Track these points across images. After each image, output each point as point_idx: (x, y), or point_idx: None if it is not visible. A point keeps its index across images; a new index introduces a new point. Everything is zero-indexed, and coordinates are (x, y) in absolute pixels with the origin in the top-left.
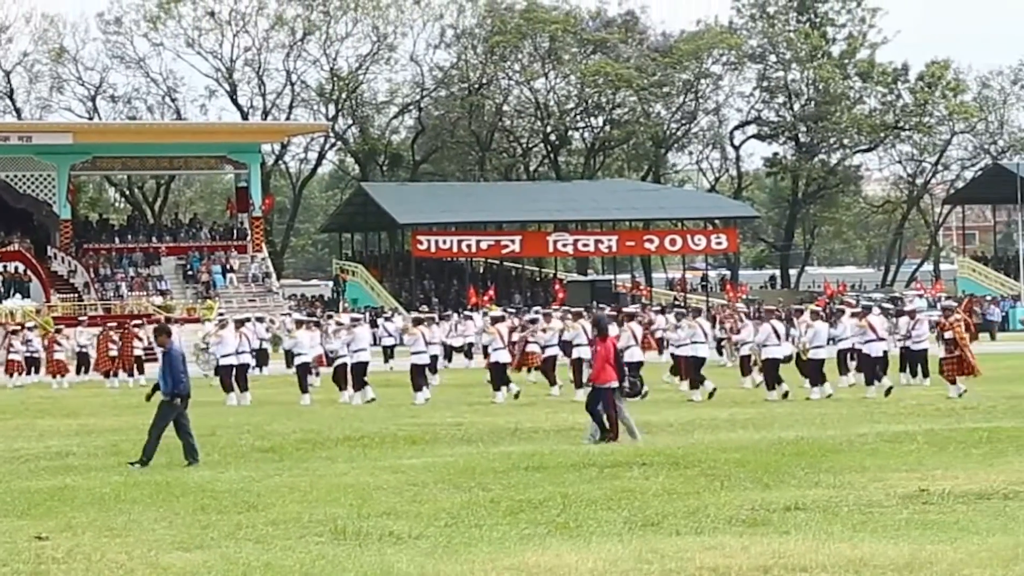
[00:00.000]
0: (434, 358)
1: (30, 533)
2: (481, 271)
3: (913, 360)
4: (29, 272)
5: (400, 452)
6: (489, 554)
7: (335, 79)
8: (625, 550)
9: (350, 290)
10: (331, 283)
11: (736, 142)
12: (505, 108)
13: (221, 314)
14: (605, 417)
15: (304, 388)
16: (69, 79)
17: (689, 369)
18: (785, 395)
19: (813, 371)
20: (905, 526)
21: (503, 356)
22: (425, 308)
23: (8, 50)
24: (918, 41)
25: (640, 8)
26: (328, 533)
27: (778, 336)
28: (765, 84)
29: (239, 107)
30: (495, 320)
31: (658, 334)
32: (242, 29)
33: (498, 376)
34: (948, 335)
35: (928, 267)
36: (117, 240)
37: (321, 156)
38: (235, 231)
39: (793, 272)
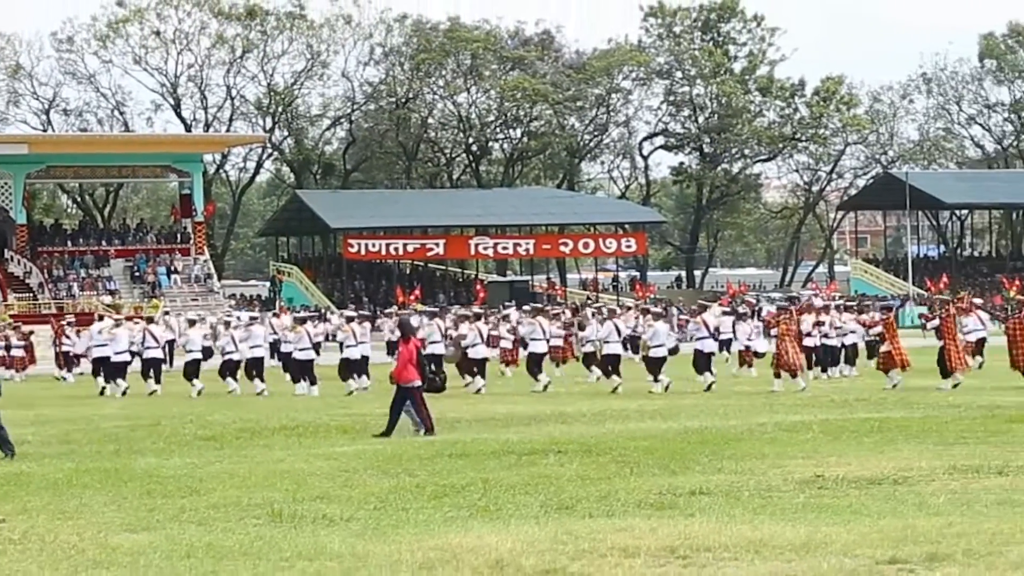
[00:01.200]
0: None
1: None
2: (408, 272)
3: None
4: None
5: (332, 441)
6: (415, 535)
7: (272, 94)
8: (541, 532)
9: (286, 290)
10: (268, 283)
11: (645, 152)
12: (430, 121)
13: (166, 312)
14: (415, 412)
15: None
16: (24, 94)
17: (605, 364)
18: (667, 387)
19: (652, 366)
20: (802, 509)
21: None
22: (353, 307)
23: None
24: (814, 58)
25: (555, 27)
26: (265, 516)
27: (619, 333)
28: (672, 98)
29: (183, 120)
30: (475, 318)
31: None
32: (185, 47)
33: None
34: (773, 332)
35: (823, 268)
36: (69, 243)
37: (259, 165)
38: (179, 235)
39: (698, 273)
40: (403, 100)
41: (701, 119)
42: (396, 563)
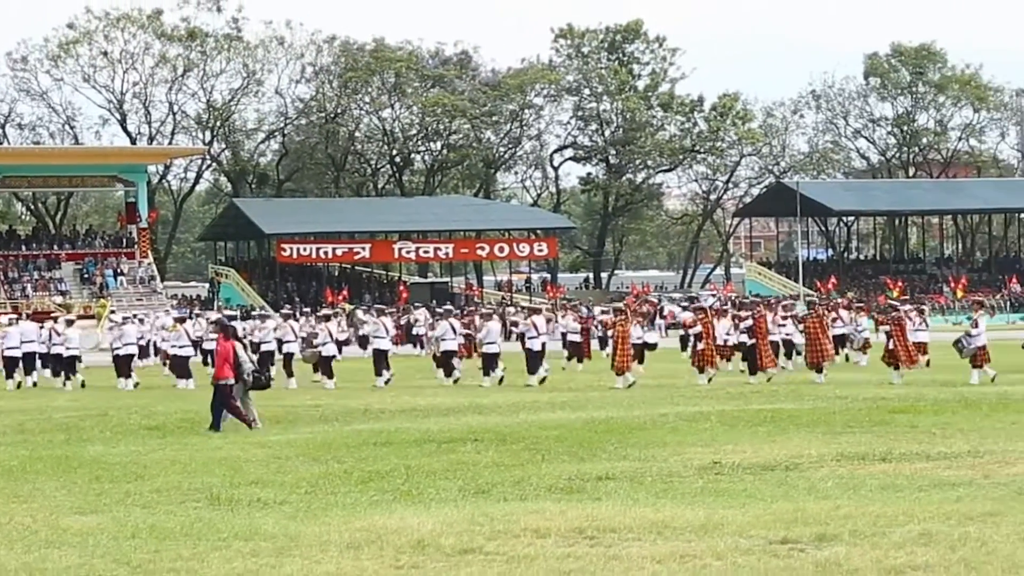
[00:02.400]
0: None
1: None
2: (336, 274)
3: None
4: None
5: (266, 430)
6: (343, 517)
7: (211, 109)
8: (460, 514)
9: (224, 291)
10: (207, 285)
11: (555, 163)
12: (357, 134)
13: (113, 311)
14: (227, 409)
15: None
16: None
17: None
18: (501, 380)
19: (486, 363)
20: (700, 493)
21: (331, 350)
22: (288, 307)
23: None
24: (712, 76)
25: (473, 48)
26: (205, 499)
27: (455, 331)
28: (580, 114)
29: (128, 133)
30: (325, 319)
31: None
32: (131, 67)
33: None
34: (611, 332)
35: (720, 271)
36: (23, 248)
37: (199, 175)
38: (125, 240)
39: (604, 275)
40: (332, 115)
41: (607, 133)
42: (325, 543)
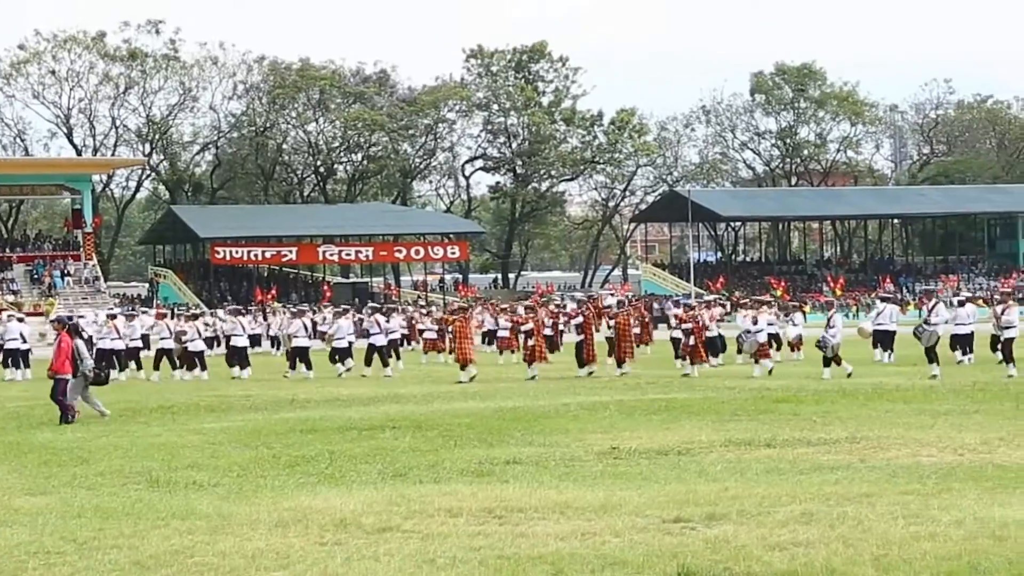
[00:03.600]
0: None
1: None
2: (266, 275)
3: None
4: None
5: (201, 418)
6: (272, 499)
7: (150, 123)
8: (379, 495)
9: (162, 290)
10: (147, 284)
11: (467, 173)
12: (284, 146)
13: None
14: (54, 399)
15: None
16: None
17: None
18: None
19: (336, 354)
20: (600, 476)
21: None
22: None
23: None
24: (610, 93)
25: (391, 67)
26: (145, 482)
27: (306, 330)
28: (490, 127)
29: (74, 145)
30: (192, 317)
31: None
32: (77, 84)
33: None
34: (684, 326)
35: (618, 272)
36: None
37: (139, 184)
38: (71, 243)
39: (512, 276)
40: (262, 129)
41: (515, 145)
42: (255, 522)
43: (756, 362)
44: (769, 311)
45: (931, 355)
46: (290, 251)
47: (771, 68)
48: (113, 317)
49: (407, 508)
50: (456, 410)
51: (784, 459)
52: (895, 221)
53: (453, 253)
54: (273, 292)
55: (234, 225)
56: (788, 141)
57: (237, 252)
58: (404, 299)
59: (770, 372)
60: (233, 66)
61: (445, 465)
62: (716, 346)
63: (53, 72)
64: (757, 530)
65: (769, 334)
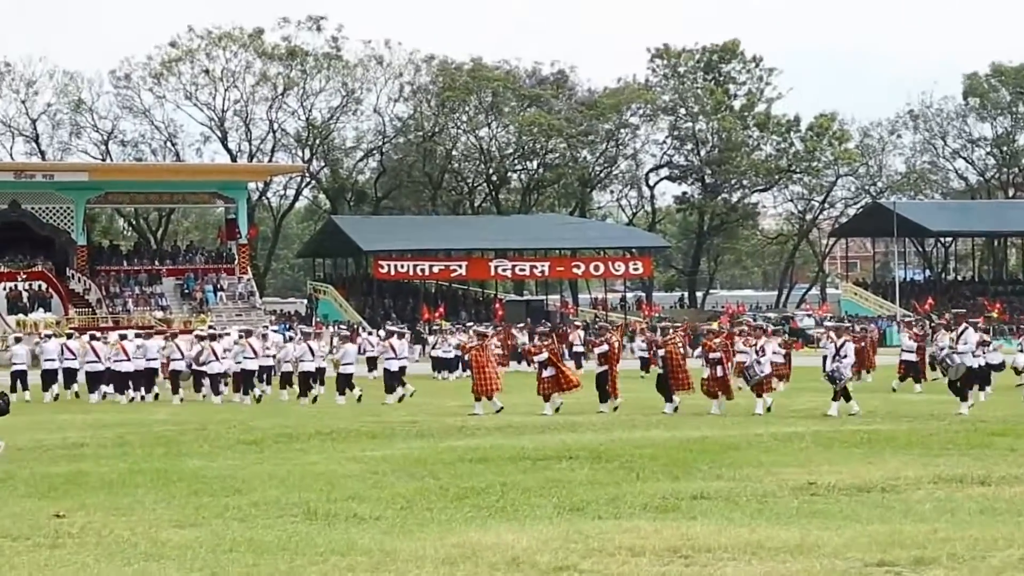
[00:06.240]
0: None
1: (49, 512)
2: (433, 291)
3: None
4: (51, 290)
5: (363, 445)
6: (438, 533)
7: (310, 127)
8: (554, 531)
9: (322, 307)
10: (306, 301)
11: (651, 183)
12: (454, 153)
13: (211, 327)
14: None
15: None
16: (86, 126)
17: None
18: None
19: (340, 383)
20: (796, 514)
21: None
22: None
23: (35, 101)
24: (809, 96)
25: (569, 68)
26: (302, 514)
27: (312, 353)
28: (676, 133)
29: (229, 151)
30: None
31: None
32: (232, 85)
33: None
34: (661, 352)
35: (816, 291)
36: (125, 263)
37: (298, 193)
38: (225, 256)
39: (699, 294)
40: (430, 134)
41: (703, 152)
42: (421, 559)
43: (759, 396)
44: (775, 340)
45: (957, 389)
46: (459, 266)
47: (986, 69)
48: (249, 334)
49: (585, 546)
50: (638, 440)
51: (1000, 498)
52: None
53: (636, 269)
54: (441, 310)
55: (399, 237)
56: (1005, 149)
57: (402, 266)
58: (581, 318)
59: (768, 409)
60: (399, 66)
61: (626, 499)
62: (916, 370)
63: (207, 71)
64: None
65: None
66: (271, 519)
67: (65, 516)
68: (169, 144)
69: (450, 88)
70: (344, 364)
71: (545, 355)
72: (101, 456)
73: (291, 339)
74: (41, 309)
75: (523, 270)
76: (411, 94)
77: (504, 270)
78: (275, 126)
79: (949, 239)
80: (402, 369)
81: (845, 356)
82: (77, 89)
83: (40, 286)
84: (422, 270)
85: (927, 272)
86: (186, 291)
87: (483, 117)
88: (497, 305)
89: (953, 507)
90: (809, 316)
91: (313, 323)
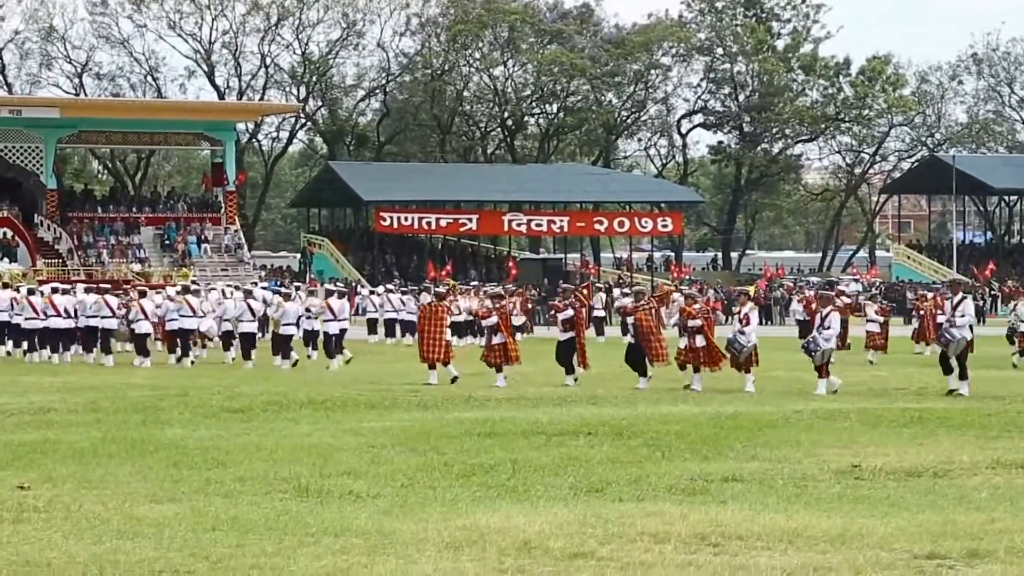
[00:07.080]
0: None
1: (12, 483)
2: (440, 247)
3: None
4: (17, 238)
5: (360, 416)
6: (442, 514)
7: (306, 63)
8: (570, 514)
9: (316, 262)
10: (299, 255)
11: (683, 130)
12: (465, 94)
13: (194, 281)
14: None
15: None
16: (57, 57)
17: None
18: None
19: (279, 343)
20: (838, 500)
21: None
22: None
23: (0, 28)
24: (860, 37)
25: (595, 1)
26: (292, 490)
27: (253, 314)
28: (712, 76)
29: (216, 87)
30: (141, 295)
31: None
32: (220, 13)
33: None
34: (631, 320)
35: (864, 253)
36: (99, 210)
37: (292, 135)
38: (210, 204)
39: (735, 255)
40: (438, 72)
41: (741, 97)
42: (422, 541)
43: (746, 372)
44: (872, 307)
45: (949, 366)
46: (470, 219)
47: None
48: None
49: (604, 531)
50: (664, 415)
51: None
52: None
53: (665, 226)
54: (448, 268)
55: (403, 186)
56: None
57: (406, 219)
58: (604, 279)
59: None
60: None
61: (650, 480)
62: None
63: None
64: None
65: None
66: (258, 495)
67: (30, 488)
68: (150, 79)
69: (462, 21)
70: (284, 325)
71: (495, 319)
72: (71, 423)
73: (288, 297)
74: (6, 259)
75: (540, 225)
76: (418, 27)
77: (519, 225)
78: (267, 60)
79: (1014, 197)
80: (342, 332)
81: (828, 327)
82: (48, 15)
83: (5, 233)
84: (428, 223)
85: (988, 234)
86: (167, 242)
87: (498, 54)
88: (511, 264)
89: (1013, 495)
90: (856, 281)
91: (307, 280)
